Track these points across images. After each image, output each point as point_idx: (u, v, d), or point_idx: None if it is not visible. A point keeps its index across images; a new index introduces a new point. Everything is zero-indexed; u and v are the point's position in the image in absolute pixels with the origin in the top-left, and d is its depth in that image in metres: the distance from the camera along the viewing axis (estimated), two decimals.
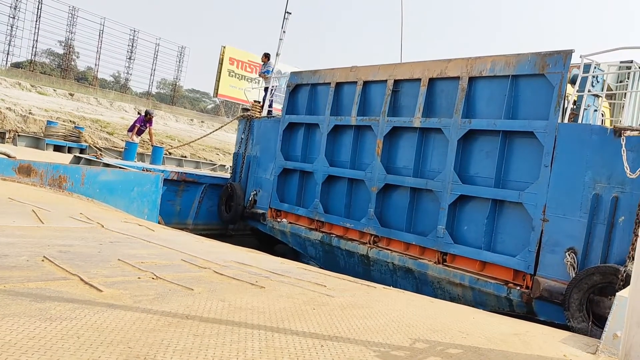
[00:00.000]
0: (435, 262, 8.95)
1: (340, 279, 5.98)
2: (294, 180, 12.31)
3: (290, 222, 12.07)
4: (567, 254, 7.37)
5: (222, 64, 34.83)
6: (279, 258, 7.41)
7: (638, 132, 6.95)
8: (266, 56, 15.40)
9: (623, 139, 6.97)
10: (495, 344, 3.93)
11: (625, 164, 6.78)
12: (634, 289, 3.56)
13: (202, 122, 48.76)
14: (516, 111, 8.33)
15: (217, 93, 36.16)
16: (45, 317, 2.88)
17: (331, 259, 10.89)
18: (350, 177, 10.76)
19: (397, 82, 10.07)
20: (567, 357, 3.88)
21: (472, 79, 8.83)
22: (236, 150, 14.55)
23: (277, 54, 14.27)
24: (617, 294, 4.66)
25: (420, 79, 9.57)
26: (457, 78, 8.99)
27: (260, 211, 13.00)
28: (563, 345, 4.28)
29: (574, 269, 7.27)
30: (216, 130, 17.17)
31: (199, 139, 17.78)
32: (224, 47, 35.12)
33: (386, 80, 10.18)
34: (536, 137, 7.87)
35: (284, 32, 14.13)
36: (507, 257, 8.07)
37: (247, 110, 14.58)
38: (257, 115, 14.07)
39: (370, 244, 10.09)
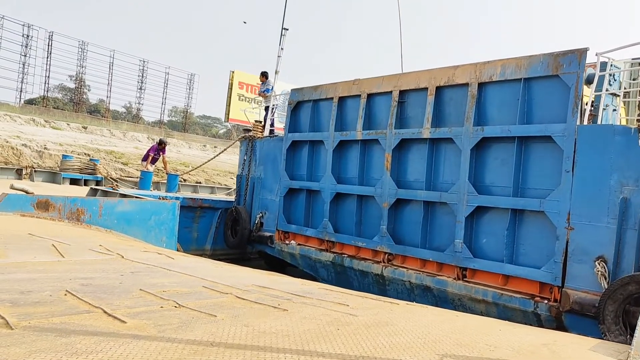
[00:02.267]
0: (454, 279, 8.51)
1: (363, 297, 5.90)
2: (301, 200, 11.91)
3: (299, 244, 11.64)
4: (596, 263, 6.93)
5: (231, 88, 34.70)
6: (300, 279, 7.38)
7: None
8: (264, 75, 15.16)
9: None
10: (524, 356, 3.89)
11: None
12: None
13: (214, 147, 48.88)
14: (531, 115, 7.95)
15: (228, 118, 35.96)
16: (71, 352, 2.87)
17: (344, 281, 10.45)
18: (360, 193, 10.36)
19: (402, 93, 9.71)
20: None
21: (482, 85, 8.46)
22: (239, 172, 14.19)
23: (276, 72, 13.99)
24: None
25: (427, 88, 9.21)
26: (466, 85, 8.62)
27: (268, 234, 12.59)
28: (593, 353, 4.22)
29: (605, 279, 6.82)
30: (220, 153, 16.93)
31: (206, 162, 17.72)
32: (233, 71, 35.05)
33: (391, 92, 9.82)
34: (554, 141, 7.47)
35: (281, 48, 13.88)
36: (532, 270, 7.63)
37: (249, 131, 14.25)
38: (259, 136, 13.73)
39: (384, 262, 9.66)
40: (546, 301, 7.40)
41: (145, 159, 17.71)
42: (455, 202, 8.57)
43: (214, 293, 5.09)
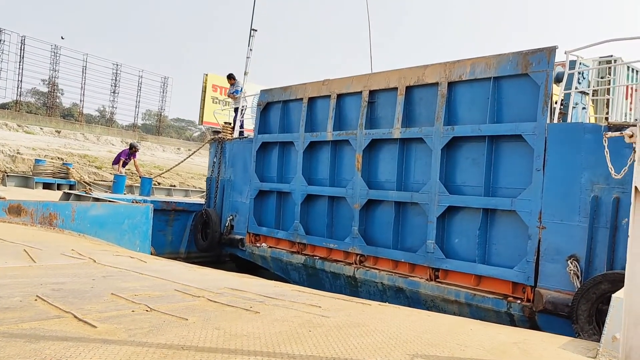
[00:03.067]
0: (427, 279, 8.42)
1: (335, 298, 5.94)
2: (271, 202, 11.72)
3: (270, 247, 11.45)
4: (569, 262, 6.90)
5: (205, 91, 34.41)
6: (273, 282, 7.38)
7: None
8: (231, 77, 14.94)
9: (605, 140, 6.55)
10: (495, 355, 3.92)
11: (610, 165, 6.34)
12: (629, 290, 3.55)
13: (189, 150, 48.52)
14: (501, 114, 7.89)
15: (202, 120, 35.60)
16: (40, 358, 2.86)
17: (316, 283, 10.29)
18: (331, 194, 10.22)
19: (372, 93, 9.59)
20: None
21: (451, 84, 8.39)
22: (209, 174, 13.95)
23: (245, 73, 13.76)
24: (613, 295, 4.62)
25: (397, 88, 9.11)
26: (436, 84, 8.54)
27: (238, 237, 12.37)
28: (563, 351, 4.28)
29: (578, 278, 6.80)
30: (190, 155, 16.72)
31: (176, 165, 17.42)
32: (206, 74, 34.72)
33: (361, 92, 9.70)
34: (525, 140, 7.43)
35: (250, 49, 13.65)
36: (504, 269, 7.58)
37: (218, 132, 14.01)
38: (228, 137, 13.49)
39: (356, 264, 9.53)
40: (519, 301, 7.35)
41: (116, 162, 17.17)
42: (426, 202, 8.48)
43: (186, 296, 5.09)
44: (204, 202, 14.53)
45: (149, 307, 4.35)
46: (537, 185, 7.25)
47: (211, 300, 4.92)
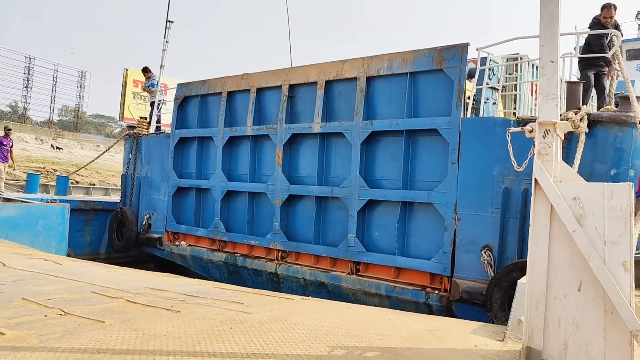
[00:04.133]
0: (348, 273, 8.48)
1: (258, 294, 5.98)
2: (190, 199, 11.44)
3: (189, 245, 11.17)
4: (483, 252, 7.15)
5: (125, 86, 32.97)
6: (195, 280, 7.38)
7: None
8: (146, 70, 14.36)
9: (509, 135, 6.83)
10: (411, 342, 4.08)
11: (512, 159, 6.63)
12: (530, 275, 3.70)
13: (111, 148, 46.57)
14: (417, 109, 8.05)
15: (122, 117, 34.14)
16: None
17: (238, 281, 10.11)
18: (251, 190, 10.09)
19: (292, 87, 9.53)
20: (478, 347, 4.07)
21: (370, 79, 8.47)
22: (124, 171, 13.44)
23: (162, 66, 13.36)
24: (519, 281, 4.92)
25: (316, 82, 9.09)
26: (355, 79, 8.59)
27: (156, 235, 11.99)
28: (474, 335, 4.46)
29: (491, 267, 7.05)
30: (105, 152, 15.98)
31: (90, 162, 16.70)
32: (127, 69, 33.25)
33: (281, 86, 9.62)
34: (440, 134, 7.61)
35: (166, 42, 13.26)
36: (423, 261, 7.75)
37: (133, 127, 13.48)
38: (144, 133, 13.03)
39: (278, 260, 9.46)
40: (437, 291, 7.53)
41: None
42: (347, 197, 8.53)
43: (103, 298, 5.00)
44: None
45: (63, 311, 4.22)
46: (452, 178, 7.44)
47: (130, 301, 4.83)
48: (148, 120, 13.54)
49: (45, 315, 4.10)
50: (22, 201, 11.32)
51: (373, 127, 8.30)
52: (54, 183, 16.40)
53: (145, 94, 15.08)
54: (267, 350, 3.53)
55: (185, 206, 11.61)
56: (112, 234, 12.87)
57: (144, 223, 12.32)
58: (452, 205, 7.41)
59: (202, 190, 11.22)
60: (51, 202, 11.91)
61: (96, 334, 3.61)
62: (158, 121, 13.84)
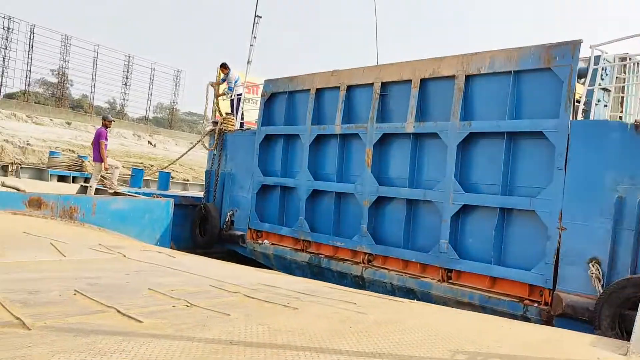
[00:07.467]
0: (439, 280, 8.13)
1: (368, 295, 6.06)
2: (275, 197, 11.37)
3: (273, 244, 11.11)
4: (590, 265, 6.62)
5: (218, 85, 33.89)
6: (301, 278, 7.70)
7: None
8: (224, 66, 14.36)
9: None
10: (529, 351, 4.08)
11: None
12: None
13: (202, 144, 48.32)
14: (520, 110, 7.60)
15: (215, 115, 35.19)
16: (94, 352, 2.83)
17: None
18: (338, 190, 9.89)
19: (384, 85, 9.26)
20: None
21: (469, 78, 8.08)
22: (208, 167, 13.58)
23: (249, 62, 13.42)
24: None
25: (410, 80, 8.78)
26: (453, 77, 8.23)
27: (239, 233, 12.01)
28: (594, 348, 4.37)
29: (600, 281, 6.52)
30: (191, 148, 16.32)
31: (179, 157, 17.30)
32: (219, 68, 34.23)
33: (372, 84, 9.36)
34: (546, 137, 7.14)
35: (254, 37, 13.27)
36: (521, 271, 7.30)
37: (216, 123, 13.57)
38: (229, 129, 13.11)
39: (364, 263, 9.22)
40: (536, 304, 7.08)
41: (97, 149, 12.43)
42: (440, 201, 8.18)
43: (222, 292, 5.15)
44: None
45: (189, 303, 4.36)
46: (558, 184, 6.96)
47: (248, 296, 4.96)
48: (233, 116, 13.57)
49: (174, 306, 4.26)
50: (129, 195, 11.77)
51: (471, 128, 7.91)
52: (150, 178, 17.25)
53: (224, 87, 14.92)
54: (389, 350, 3.54)
55: (269, 204, 11.56)
56: (195, 230, 12.99)
57: (226, 220, 12.37)
58: (557, 214, 6.93)
59: (286, 189, 11.13)
60: (156, 196, 12.31)
61: (225, 326, 3.72)
62: (241, 118, 13.89)
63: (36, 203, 9.46)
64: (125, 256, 7.02)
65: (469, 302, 7.65)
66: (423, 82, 8.66)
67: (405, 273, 8.59)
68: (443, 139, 8.22)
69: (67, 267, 5.79)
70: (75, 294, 4.32)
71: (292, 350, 3.29)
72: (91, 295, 4.29)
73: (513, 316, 7.21)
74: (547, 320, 6.91)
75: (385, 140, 9.20)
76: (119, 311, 3.82)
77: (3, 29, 58.25)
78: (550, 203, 7.01)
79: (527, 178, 7.50)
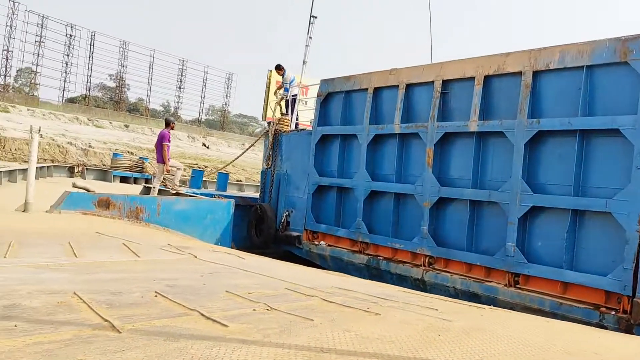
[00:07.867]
0: (505, 285, 7.79)
1: (447, 301, 5.88)
2: (331, 198, 11.23)
3: (329, 245, 10.96)
4: None
5: (269, 87, 33.97)
6: (372, 281, 7.43)
7: None
8: (279, 67, 14.34)
9: None
10: None
11: None
12: None
13: (254, 146, 49.35)
14: (593, 107, 7.19)
15: (265, 117, 35.44)
16: (188, 358, 2.79)
17: None
18: (397, 191, 9.65)
19: (445, 83, 8.97)
20: None
21: (537, 74, 7.71)
22: (263, 168, 13.56)
23: (304, 62, 13.33)
24: None
25: (473, 78, 8.47)
26: (519, 73, 7.88)
27: (295, 234, 11.93)
28: None
29: None
30: (246, 150, 16.48)
31: (235, 159, 17.79)
32: (270, 70, 34.44)
33: (433, 82, 9.09)
34: (623, 135, 6.72)
35: (310, 37, 13.17)
36: (596, 277, 6.89)
37: (271, 124, 13.57)
38: (285, 129, 13.05)
39: (425, 266, 8.95)
40: (613, 312, 6.66)
41: (160, 151, 12.51)
42: (506, 202, 7.84)
43: (299, 296, 5.05)
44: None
45: (268, 306, 4.29)
46: (637, 185, 6.54)
47: (325, 300, 4.83)
48: (289, 117, 13.52)
49: (254, 310, 4.16)
50: (191, 196, 11.96)
51: (540, 126, 7.54)
52: (207, 179, 17.66)
53: (281, 91, 15.02)
54: None
55: (325, 205, 11.42)
56: (251, 230, 12.99)
57: (282, 220, 12.32)
58: (636, 216, 6.50)
59: (343, 190, 10.97)
60: (218, 197, 12.42)
61: (311, 332, 3.62)
62: (296, 118, 13.84)
63: (105, 203, 9.71)
64: (196, 257, 7.02)
65: (539, 309, 7.29)
66: (487, 79, 8.34)
67: (468, 277, 8.28)
68: (509, 137, 7.88)
69: (143, 268, 5.87)
70: (156, 296, 4.30)
71: (386, 359, 3.16)
72: (171, 297, 4.29)
73: (588, 324, 6.82)
74: (627, 329, 6.50)
75: (446, 139, 8.91)
76: (202, 314, 3.80)
77: (65, 36, 60.54)
78: (629, 204, 6.59)
79: (601, 178, 7.09)
